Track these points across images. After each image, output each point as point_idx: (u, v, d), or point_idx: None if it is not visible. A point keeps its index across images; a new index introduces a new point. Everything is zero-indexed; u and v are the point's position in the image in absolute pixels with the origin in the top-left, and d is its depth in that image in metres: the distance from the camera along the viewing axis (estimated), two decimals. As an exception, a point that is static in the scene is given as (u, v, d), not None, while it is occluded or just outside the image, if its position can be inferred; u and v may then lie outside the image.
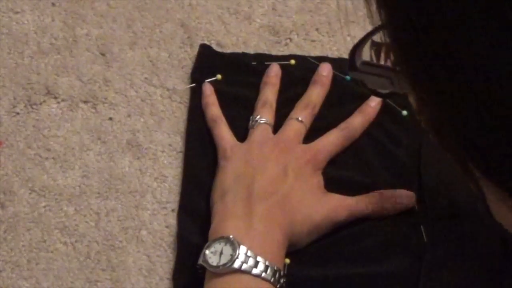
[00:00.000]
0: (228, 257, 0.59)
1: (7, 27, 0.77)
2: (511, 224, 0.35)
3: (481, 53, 0.27)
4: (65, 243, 0.67)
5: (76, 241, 0.67)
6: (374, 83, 0.49)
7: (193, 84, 0.74)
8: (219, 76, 0.74)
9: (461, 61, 0.28)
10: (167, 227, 0.68)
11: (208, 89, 0.73)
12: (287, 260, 0.64)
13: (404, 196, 0.67)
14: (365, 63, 0.48)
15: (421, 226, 0.66)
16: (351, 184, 0.68)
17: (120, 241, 0.67)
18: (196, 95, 0.74)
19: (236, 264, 0.58)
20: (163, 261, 0.67)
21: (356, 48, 0.48)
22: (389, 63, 0.32)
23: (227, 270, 0.59)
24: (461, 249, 0.65)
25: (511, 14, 0.26)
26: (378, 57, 0.43)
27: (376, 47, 0.43)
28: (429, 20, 0.28)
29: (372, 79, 0.49)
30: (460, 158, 0.33)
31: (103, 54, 0.76)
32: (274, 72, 0.74)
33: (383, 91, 0.48)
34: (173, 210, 0.69)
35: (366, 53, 0.49)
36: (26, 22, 0.78)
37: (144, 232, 0.68)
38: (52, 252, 0.67)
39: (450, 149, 0.33)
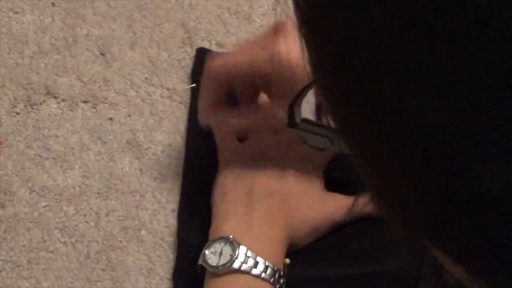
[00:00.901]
0: (228, 257, 0.59)
1: (7, 27, 0.77)
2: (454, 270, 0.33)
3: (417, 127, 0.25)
4: (65, 243, 0.67)
5: (76, 241, 0.67)
6: (315, 141, 0.46)
7: (194, 85, 0.74)
8: None
9: (391, 128, 0.26)
10: (167, 227, 0.68)
11: None
12: (287, 260, 0.64)
13: (404, 196, 0.66)
14: (305, 121, 0.45)
15: (421, 226, 0.66)
16: (351, 184, 0.68)
17: (120, 241, 0.67)
18: (196, 95, 0.74)
19: (236, 264, 0.59)
20: (163, 261, 0.67)
21: (294, 104, 0.45)
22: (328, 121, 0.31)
23: (227, 270, 0.59)
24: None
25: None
26: (319, 114, 0.40)
27: (317, 104, 0.40)
28: (358, 84, 0.27)
29: (312, 137, 0.46)
30: (399, 221, 0.31)
31: (103, 54, 0.76)
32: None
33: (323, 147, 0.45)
34: (173, 210, 0.69)
35: (306, 109, 0.45)
36: (26, 22, 0.78)
37: (144, 232, 0.68)
38: (52, 252, 0.67)
39: (389, 215, 0.32)
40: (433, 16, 0.23)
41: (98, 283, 0.66)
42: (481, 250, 0.28)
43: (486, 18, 0.22)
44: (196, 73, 0.75)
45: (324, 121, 0.29)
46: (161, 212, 0.69)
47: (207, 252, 0.60)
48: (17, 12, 0.78)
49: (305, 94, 0.45)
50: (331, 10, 0.26)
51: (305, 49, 0.28)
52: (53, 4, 0.79)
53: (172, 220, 0.68)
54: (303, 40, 0.28)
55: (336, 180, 0.68)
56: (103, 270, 0.66)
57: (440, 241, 0.30)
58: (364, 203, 0.67)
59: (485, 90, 0.23)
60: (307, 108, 0.45)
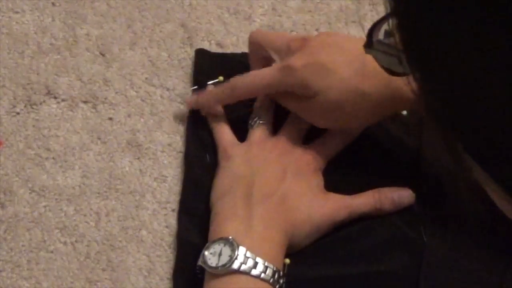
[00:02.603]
0: (227, 258, 0.59)
1: (7, 27, 0.77)
2: (505, 208, 0.37)
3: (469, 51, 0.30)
4: (65, 243, 0.67)
5: (76, 241, 0.67)
6: (385, 61, 0.52)
7: (195, 87, 0.74)
8: (221, 78, 0.74)
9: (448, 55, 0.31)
10: (167, 227, 0.68)
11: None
12: (287, 260, 0.64)
13: (403, 195, 0.67)
14: (380, 42, 0.51)
15: (421, 226, 0.66)
16: (351, 184, 0.68)
17: (120, 241, 0.67)
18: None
19: (235, 265, 0.58)
20: (163, 261, 0.67)
21: (374, 27, 0.51)
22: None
23: (226, 271, 0.59)
24: (460, 249, 0.65)
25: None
26: (392, 36, 0.46)
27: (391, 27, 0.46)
28: (425, 17, 0.31)
29: (384, 57, 0.52)
30: (454, 145, 0.35)
31: (103, 54, 0.76)
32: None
33: (393, 69, 0.51)
34: (173, 210, 0.69)
35: (383, 33, 0.52)
36: (26, 22, 0.78)
37: (144, 232, 0.68)
38: (52, 252, 0.67)
39: (444, 136, 0.35)
40: None
41: (98, 283, 0.66)
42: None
43: None
44: (198, 75, 0.75)
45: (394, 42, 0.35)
46: (161, 212, 0.69)
47: (206, 253, 0.60)
48: (17, 12, 0.78)
49: (385, 20, 0.50)
50: None
51: None
52: (53, 4, 0.79)
53: (172, 220, 0.68)
54: None
55: (336, 180, 0.68)
56: (103, 270, 0.66)
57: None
58: (363, 203, 0.67)
59: None
60: (384, 32, 0.51)
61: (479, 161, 0.34)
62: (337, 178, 0.68)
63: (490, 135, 0.32)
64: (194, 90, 0.74)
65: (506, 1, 0.28)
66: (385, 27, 0.52)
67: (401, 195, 0.66)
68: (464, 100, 0.32)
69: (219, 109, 0.71)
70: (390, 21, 0.36)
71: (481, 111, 0.31)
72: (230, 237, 0.60)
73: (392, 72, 0.51)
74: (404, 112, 0.72)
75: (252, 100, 0.72)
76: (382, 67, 0.52)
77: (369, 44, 0.53)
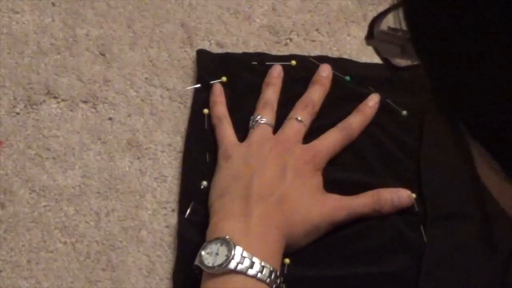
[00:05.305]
0: (224, 258, 0.59)
1: (7, 27, 0.77)
2: (504, 200, 0.37)
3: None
4: (65, 243, 0.67)
5: (76, 241, 0.67)
6: (387, 51, 0.51)
7: (198, 85, 0.74)
8: (224, 78, 0.74)
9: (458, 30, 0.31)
10: (167, 227, 0.68)
11: (217, 89, 0.73)
12: (287, 260, 0.64)
13: (402, 196, 0.66)
14: (382, 32, 0.51)
15: (421, 226, 0.66)
16: (350, 184, 0.68)
17: (120, 241, 0.67)
18: (200, 96, 0.73)
19: (232, 265, 0.58)
20: (163, 261, 0.67)
21: (377, 19, 0.51)
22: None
23: (223, 270, 0.59)
24: (460, 249, 0.65)
25: None
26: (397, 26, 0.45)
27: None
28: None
29: (386, 46, 0.51)
30: (455, 122, 0.35)
31: (103, 54, 0.76)
32: (276, 73, 0.74)
33: (396, 63, 0.50)
34: (173, 210, 0.69)
35: (385, 24, 0.52)
36: (26, 22, 0.78)
37: (144, 232, 0.68)
38: (52, 252, 0.67)
39: (445, 112, 0.35)
40: None
41: (98, 283, 0.66)
42: None
43: None
44: (202, 73, 0.74)
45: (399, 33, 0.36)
46: (161, 212, 0.69)
47: (203, 253, 0.60)
48: (17, 12, 0.78)
49: (389, 12, 0.50)
50: None
51: None
52: (53, 4, 0.79)
53: (172, 220, 0.68)
54: None
55: (335, 180, 0.68)
56: (103, 270, 0.66)
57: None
58: (362, 204, 0.67)
59: None
60: (385, 24, 0.51)
61: (483, 143, 0.34)
62: (336, 178, 0.68)
63: (495, 113, 0.32)
64: (195, 89, 0.74)
65: None
66: (387, 20, 0.52)
67: (401, 196, 0.66)
68: (471, 81, 0.32)
69: (224, 109, 0.72)
70: (397, 11, 0.36)
71: (486, 90, 0.31)
72: (227, 237, 0.60)
73: (390, 66, 0.51)
74: (404, 112, 0.72)
75: (253, 100, 0.72)
76: (382, 58, 0.51)
77: (371, 34, 0.52)
